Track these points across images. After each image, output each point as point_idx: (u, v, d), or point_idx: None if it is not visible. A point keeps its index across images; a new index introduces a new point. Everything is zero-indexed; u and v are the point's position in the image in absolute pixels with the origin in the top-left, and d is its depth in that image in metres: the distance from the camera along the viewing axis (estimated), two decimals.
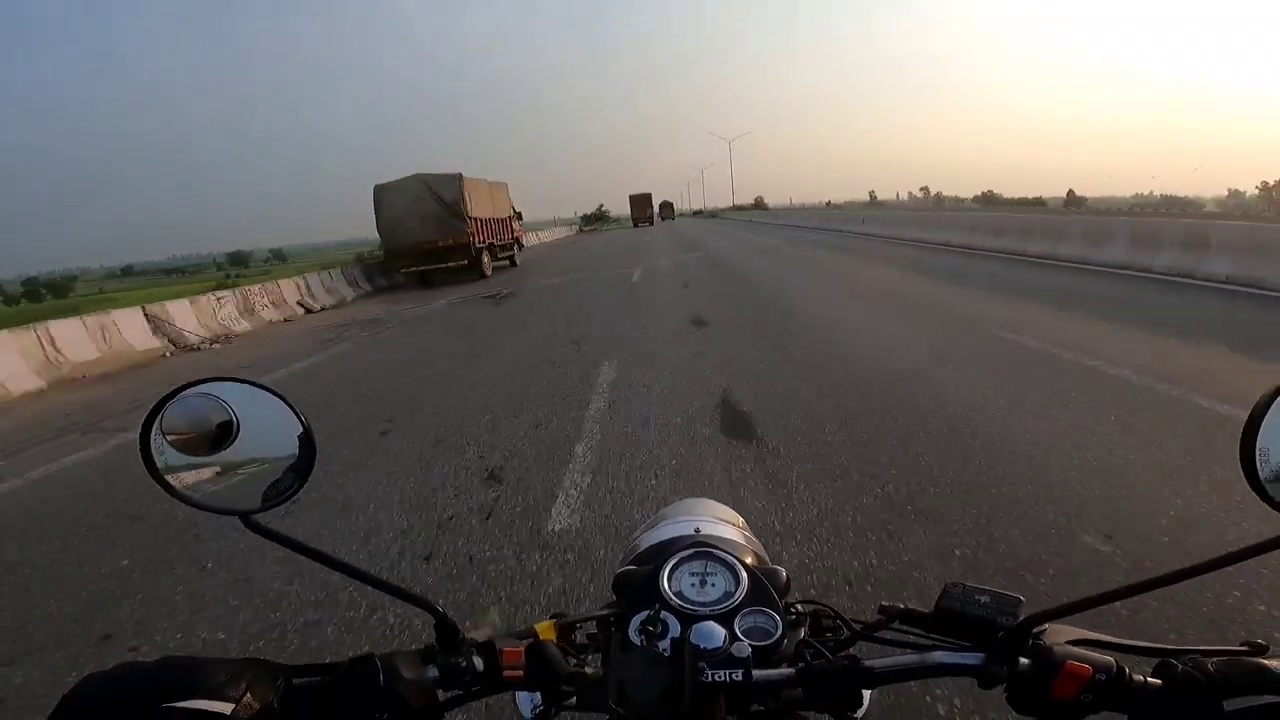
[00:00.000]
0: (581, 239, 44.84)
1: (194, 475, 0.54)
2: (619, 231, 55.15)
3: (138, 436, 0.53)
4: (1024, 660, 0.55)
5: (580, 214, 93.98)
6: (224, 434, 0.54)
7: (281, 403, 0.56)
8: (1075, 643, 0.56)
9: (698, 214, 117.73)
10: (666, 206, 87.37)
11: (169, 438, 0.54)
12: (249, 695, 0.47)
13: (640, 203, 71.79)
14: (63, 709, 0.46)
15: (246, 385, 0.56)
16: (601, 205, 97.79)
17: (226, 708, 0.46)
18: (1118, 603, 0.54)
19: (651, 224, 65.71)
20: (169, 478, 0.54)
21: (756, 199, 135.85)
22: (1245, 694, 0.49)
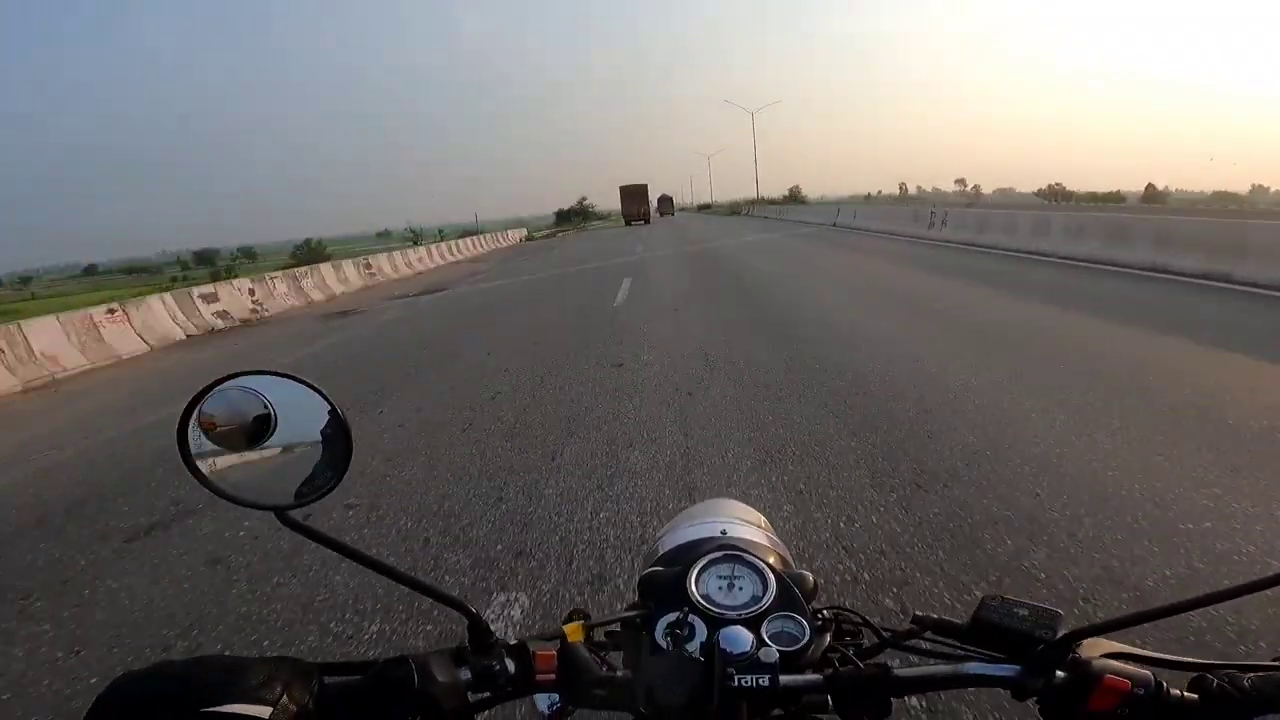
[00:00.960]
0: (503, 266, 21.19)
1: (230, 468, 0.54)
2: (595, 237, 37.11)
3: (175, 428, 0.53)
4: (1060, 673, 0.55)
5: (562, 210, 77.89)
6: (261, 427, 0.54)
7: (319, 396, 0.56)
8: (1111, 657, 0.56)
9: (704, 209, 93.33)
10: (665, 201, 74.33)
11: (206, 430, 0.53)
12: (285, 697, 0.47)
13: (634, 196, 55.54)
14: (98, 711, 0.45)
15: (285, 379, 0.55)
16: (584, 199, 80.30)
17: (265, 711, 0.45)
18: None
19: (648, 222, 52.35)
20: (205, 470, 0.54)
21: (791, 190, 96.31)
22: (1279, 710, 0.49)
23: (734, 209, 64.78)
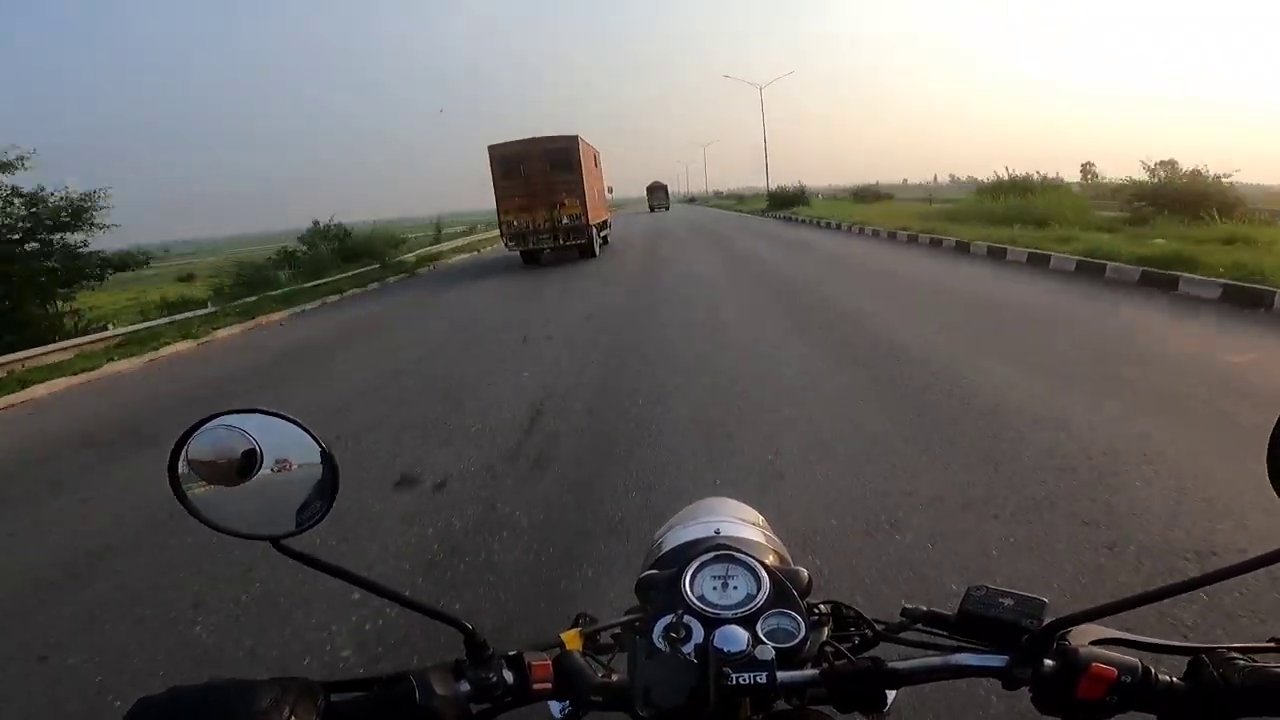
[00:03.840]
0: None
1: (222, 503, 0.56)
2: None
3: (166, 468, 0.55)
4: (1048, 662, 0.55)
5: None
6: (249, 462, 0.56)
7: (302, 430, 0.58)
8: (1102, 642, 0.56)
9: (783, 206, 30.93)
10: (657, 192, 56.04)
11: (196, 468, 0.55)
12: (293, 718, 0.48)
13: (524, 176, 15.28)
14: None
15: (267, 416, 0.57)
16: None
17: None
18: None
19: (590, 254, 15.86)
20: (199, 506, 0.56)
21: None
22: (1276, 691, 0.48)
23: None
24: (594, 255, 15.95)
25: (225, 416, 0.56)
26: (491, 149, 15.60)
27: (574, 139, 15.93)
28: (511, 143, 15.68)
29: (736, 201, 58.92)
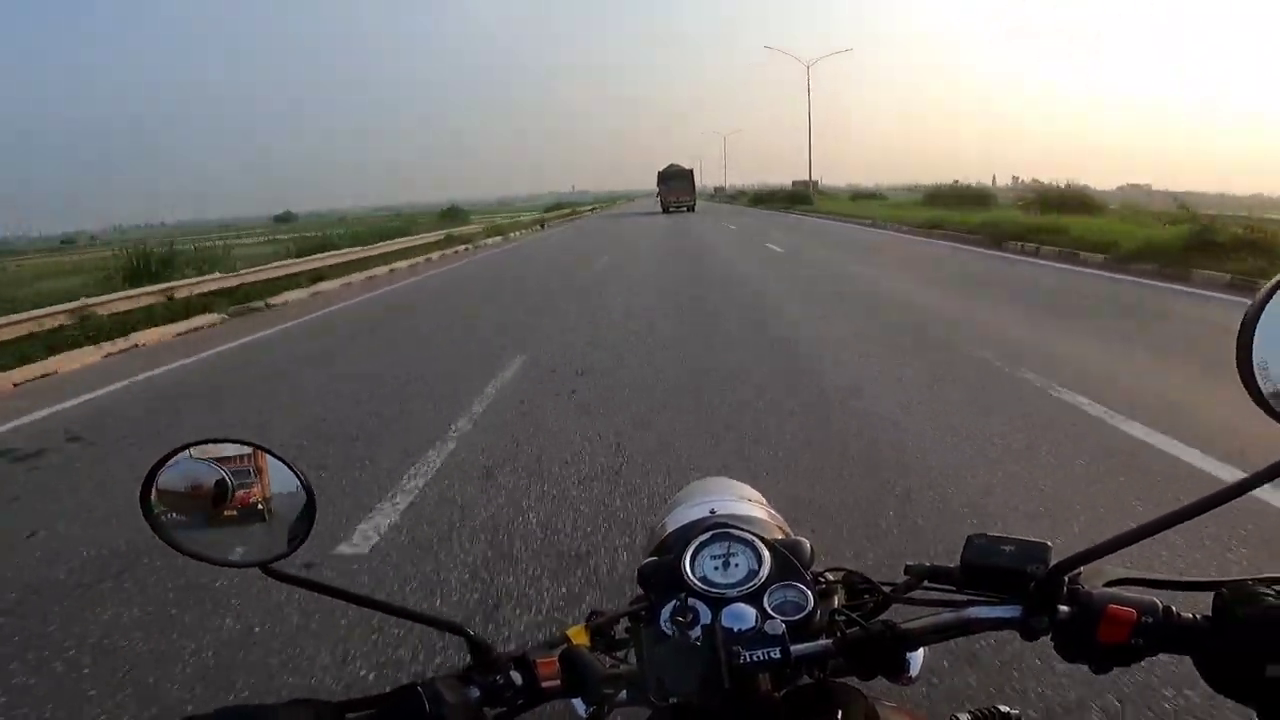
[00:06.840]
0: None
1: (201, 533, 0.55)
2: None
3: (138, 501, 0.53)
4: (1063, 608, 0.53)
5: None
6: (222, 490, 0.55)
7: (275, 458, 0.56)
8: (1119, 582, 0.54)
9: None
10: (675, 180, 39.65)
11: (168, 500, 0.54)
12: None
13: None
14: None
15: (237, 444, 0.56)
16: None
17: None
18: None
19: None
20: (177, 537, 0.54)
21: None
22: None
23: None
24: None
25: (194, 448, 0.55)
26: None
27: None
28: None
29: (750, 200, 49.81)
